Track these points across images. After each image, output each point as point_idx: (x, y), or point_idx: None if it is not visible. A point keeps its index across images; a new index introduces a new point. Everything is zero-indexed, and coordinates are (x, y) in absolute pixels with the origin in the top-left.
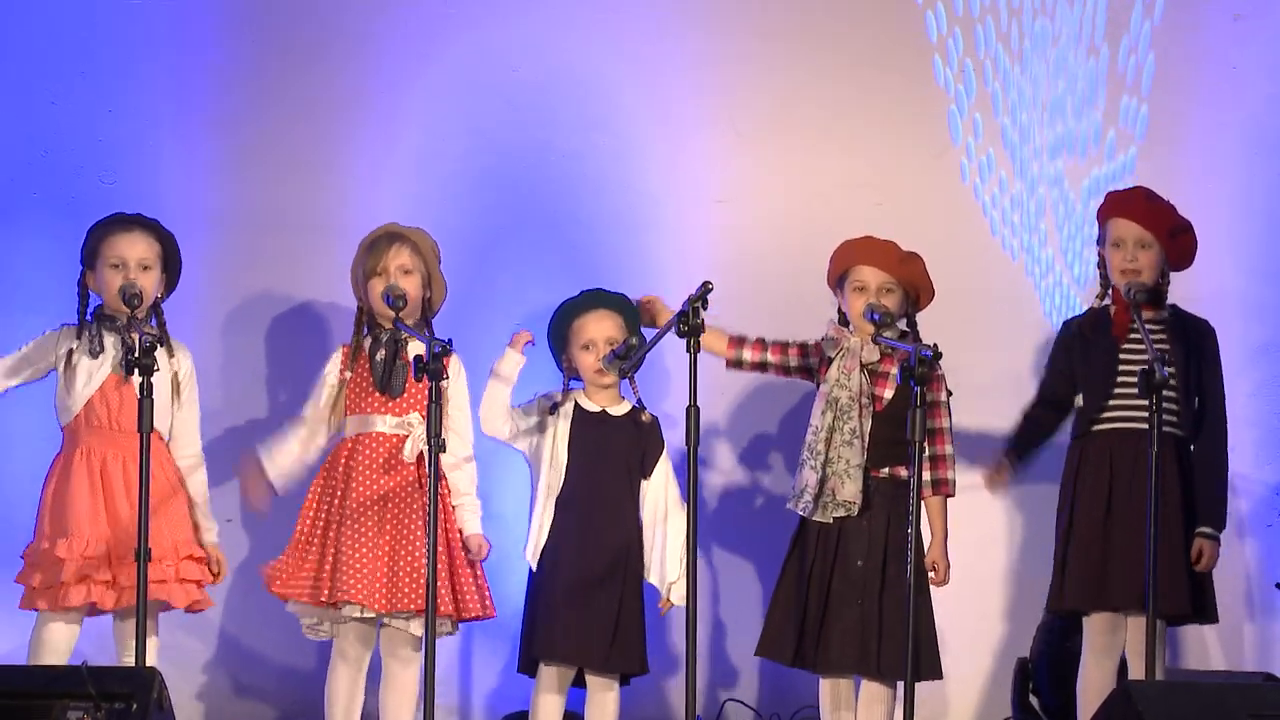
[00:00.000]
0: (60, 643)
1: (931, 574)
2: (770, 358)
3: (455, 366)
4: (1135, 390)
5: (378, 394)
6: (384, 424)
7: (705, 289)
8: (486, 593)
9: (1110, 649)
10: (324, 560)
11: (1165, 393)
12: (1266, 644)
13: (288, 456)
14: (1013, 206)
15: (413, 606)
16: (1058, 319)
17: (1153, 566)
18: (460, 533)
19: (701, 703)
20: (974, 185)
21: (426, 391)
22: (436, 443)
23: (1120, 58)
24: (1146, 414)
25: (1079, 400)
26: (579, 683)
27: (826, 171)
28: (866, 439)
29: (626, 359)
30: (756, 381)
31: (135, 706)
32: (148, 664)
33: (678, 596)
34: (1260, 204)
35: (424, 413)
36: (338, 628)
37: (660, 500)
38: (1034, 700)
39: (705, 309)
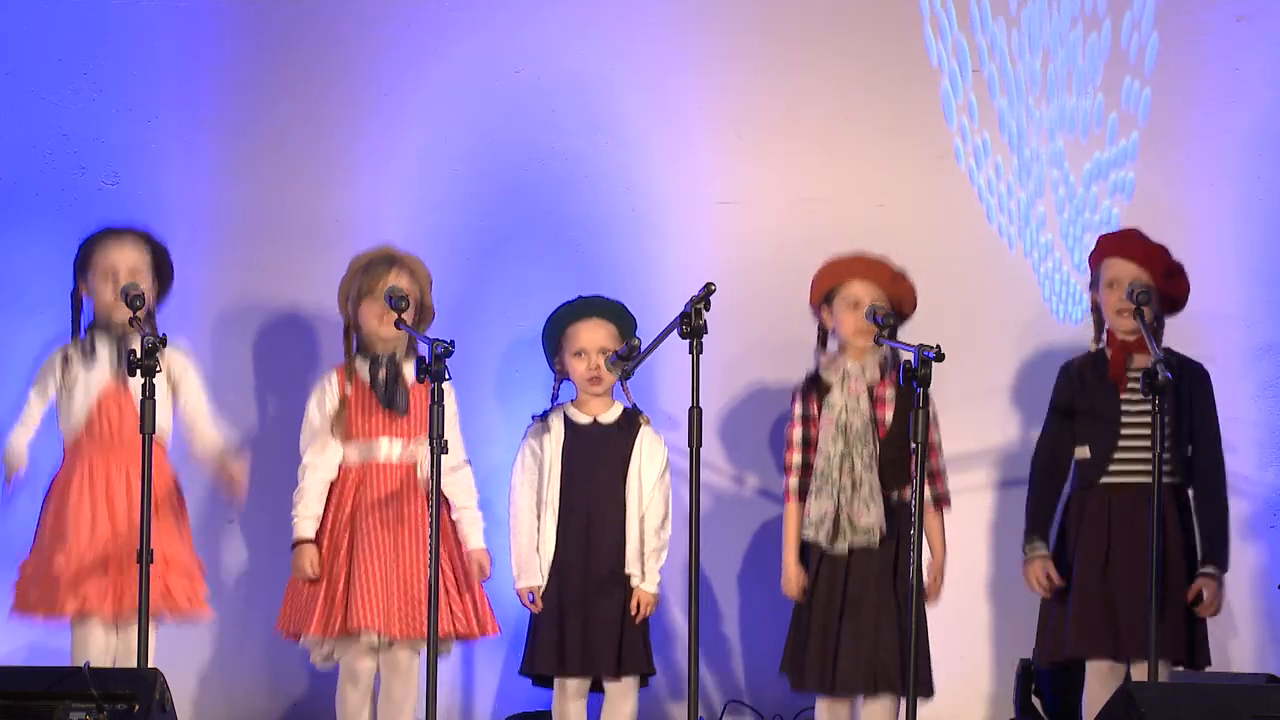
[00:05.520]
0: (101, 653)
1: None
2: (809, 458)
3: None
4: (1137, 444)
5: (381, 416)
6: (390, 452)
7: (708, 290)
8: (489, 612)
9: (1111, 688)
10: (333, 590)
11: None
12: (1269, 645)
13: (320, 504)
14: (1009, 194)
15: (420, 634)
16: (1057, 305)
17: (1157, 609)
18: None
19: (703, 705)
20: (969, 168)
21: (428, 409)
22: (439, 444)
23: (1123, 34)
24: (1146, 468)
25: (1080, 453)
26: (597, 687)
27: (828, 173)
28: (878, 463)
29: (629, 359)
30: (750, 385)
31: (138, 708)
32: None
33: (644, 594)
34: (1263, 205)
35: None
36: (348, 655)
37: (651, 500)
38: (1036, 702)
39: (707, 310)
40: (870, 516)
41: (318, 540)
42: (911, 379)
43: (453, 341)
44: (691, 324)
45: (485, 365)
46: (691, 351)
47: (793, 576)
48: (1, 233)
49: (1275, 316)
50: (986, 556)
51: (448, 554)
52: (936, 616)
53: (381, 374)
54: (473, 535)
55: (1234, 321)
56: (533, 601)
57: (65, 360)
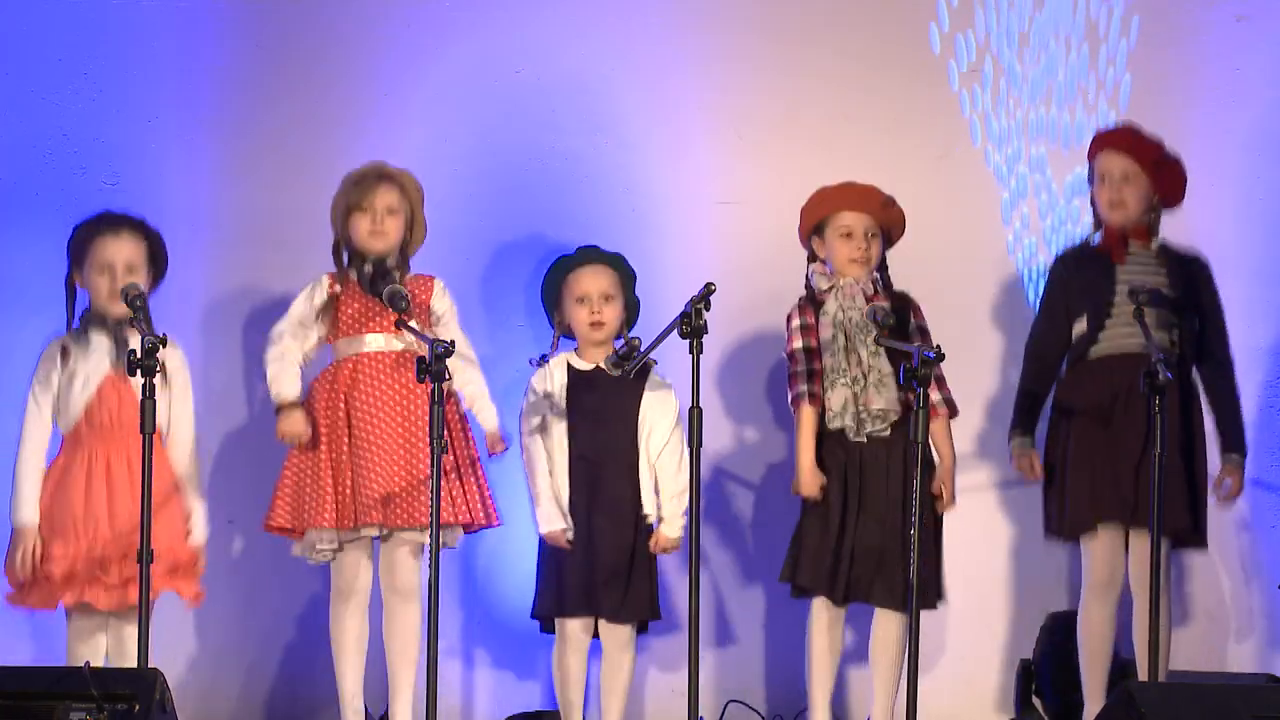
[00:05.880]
0: (97, 648)
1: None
2: (813, 365)
3: (439, 293)
4: (1131, 312)
5: (370, 309)
6: (381, 342)
7: (708, 290)
8: (491, 503)
9: (1110, 579)
10: (341, 483)
11: (1164, 317)
12: (1269, 645)
13: (298, 376)
14: (998, 184)
15: (422, 521)
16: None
17: (1157, 521)
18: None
19: (704, 704)
20: (985, 151)
21: (420, 308)
22: (439, 444)
23: (1100, 64)
24: (1143, 339)
25: (1078, 327)
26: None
27: (828, 173)
28: (884, 351)
29: (629, 359)
30: (750, 383)
31: (138, 708)
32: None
33: (666, 539)
34: (1263, 205)
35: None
36: (338, 561)
37: (665, 445)
38: (1036, 702)
39: (708, 310)
40: (883, 400)
41: (315, 435)
42: (912, 379)
43: (453, 342)
44: (691, 324)
45: (483, 365)
46: (691, 351)
47: (809, 476)
48: (1, 233)
49: (1275, 316)
50: (988, 556)
51: (450, 442)
52: (938, 615)
53: (369, 269)
54: (488, 418)
55: (1234, 321)
56: (569, 542)
57: (64, 352)
